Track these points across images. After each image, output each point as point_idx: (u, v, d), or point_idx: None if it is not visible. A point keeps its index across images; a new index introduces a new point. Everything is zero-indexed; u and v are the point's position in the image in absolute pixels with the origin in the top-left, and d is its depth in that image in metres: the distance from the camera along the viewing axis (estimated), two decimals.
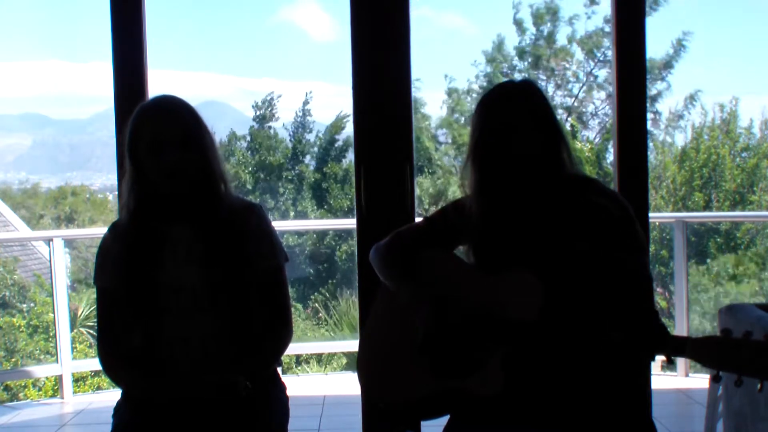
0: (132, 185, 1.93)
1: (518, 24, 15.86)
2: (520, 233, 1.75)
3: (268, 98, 16.84)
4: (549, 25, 15.75)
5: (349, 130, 16.20)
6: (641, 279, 1.67)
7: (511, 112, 1.74)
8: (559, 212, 1.72)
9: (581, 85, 15.98)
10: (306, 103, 16.74)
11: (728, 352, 1.36)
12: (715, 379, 1.43)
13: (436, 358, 1.73)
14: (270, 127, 16.64)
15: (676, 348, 1.45)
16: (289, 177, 15.52)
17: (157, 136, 1.88)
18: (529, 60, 15.85)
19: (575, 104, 16.04)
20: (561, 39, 15.74)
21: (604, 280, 1.64)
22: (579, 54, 15.83)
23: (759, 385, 1.36)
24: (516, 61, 16.04)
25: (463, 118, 15.64)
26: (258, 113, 16.65)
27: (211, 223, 1.92)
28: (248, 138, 16.28)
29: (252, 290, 1.93)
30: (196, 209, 1.93)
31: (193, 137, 1.90)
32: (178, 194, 1.91)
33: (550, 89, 15.93)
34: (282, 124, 16.81)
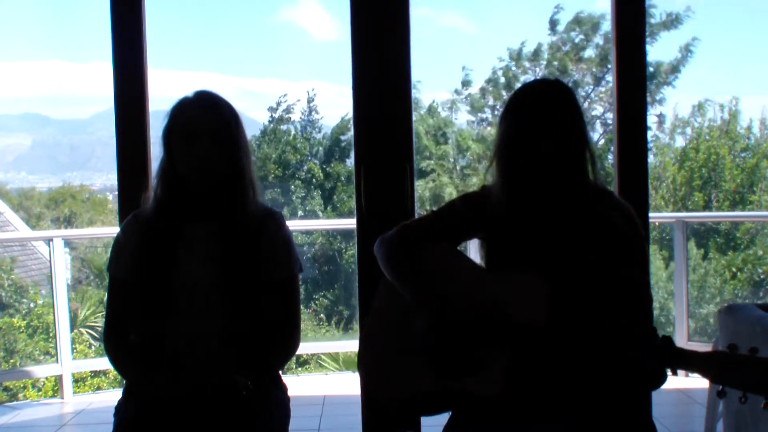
0: (162, 174, 1.94)
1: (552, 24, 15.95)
2: (535, 236, 1.75)
3: (283, 100, 16.85)
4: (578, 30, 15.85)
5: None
6: (642, 297, 1.67)
7: (544, 115, 1.70)
8: (574, 221, 1.72)
9: (591, 87, 16.09)
10: (310, 101, 16.71)
11: (734, 369, 1.35)
12: (719, 395, 1.42)
13: (438, 357, 1.72)
14: (285, 128, 16.62)
15: (683, 362, 1.44)
16: (301, 177, 15.51)
17: (192, 126, 1.88)
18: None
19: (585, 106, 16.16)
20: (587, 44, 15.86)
21: (607, 293, 1.64)
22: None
23: (764, 403, 1.36)
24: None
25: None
26: (273, 116, 16.64)
27: (232, 226, 1.92)
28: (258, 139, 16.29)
29: (263, 296, 1.93)
30: (220, 209, 1.93)
31: (227, 134, 1.90)
32: (204, 190, 1.91)
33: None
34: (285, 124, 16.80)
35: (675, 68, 15.48)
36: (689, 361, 1.42)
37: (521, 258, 1.75)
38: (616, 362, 1.50)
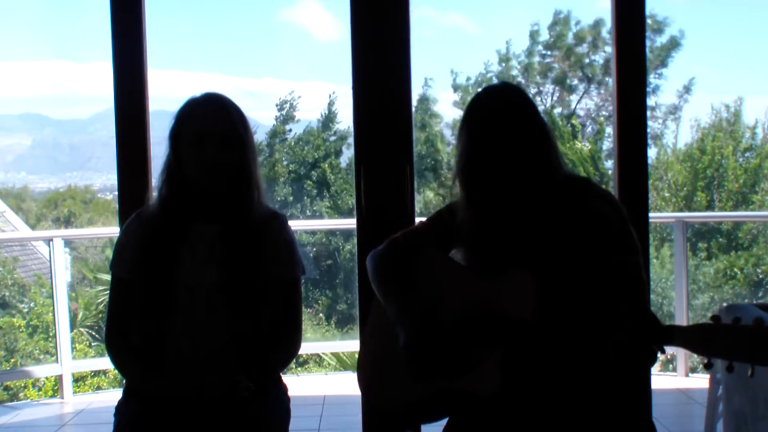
0: (168, 175, 1.94)
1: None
2: (515, 238, 1.74)
3: (289, 98, 16.78)
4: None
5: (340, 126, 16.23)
6: (636, 281, 1.67)
7: (496, 132, 1.69)
8: (557, 216, 1.71)
9: (587, 86, 16.18)
10: (331, 104, 16.63)
11: (718, 339, 1.36)
12: (706, 366, 1.43)
13: (430, 360, 1.71)
14: (290, 129, 16.59)
15: (666, 337, 1.45)
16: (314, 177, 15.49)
17: (202, 129, 1.88)
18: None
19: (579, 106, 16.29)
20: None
21: (600, 283, 1.64)
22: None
23: (750, 370, 1.37)
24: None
25: None
26: (280, 113, 16.58)
27: (235, 227, 1.92)
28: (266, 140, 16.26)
29: (265, 298, 1.94)
30: (225, 210, 1.93)
31: (237, 137, 1.91)
32: (213, 192, 1.91)
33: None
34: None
35: (663, 60, 15.76)
36: (674, 336, 1.43)
37: (506, 262, 1.73)
38: (604, 343, 1.51)
